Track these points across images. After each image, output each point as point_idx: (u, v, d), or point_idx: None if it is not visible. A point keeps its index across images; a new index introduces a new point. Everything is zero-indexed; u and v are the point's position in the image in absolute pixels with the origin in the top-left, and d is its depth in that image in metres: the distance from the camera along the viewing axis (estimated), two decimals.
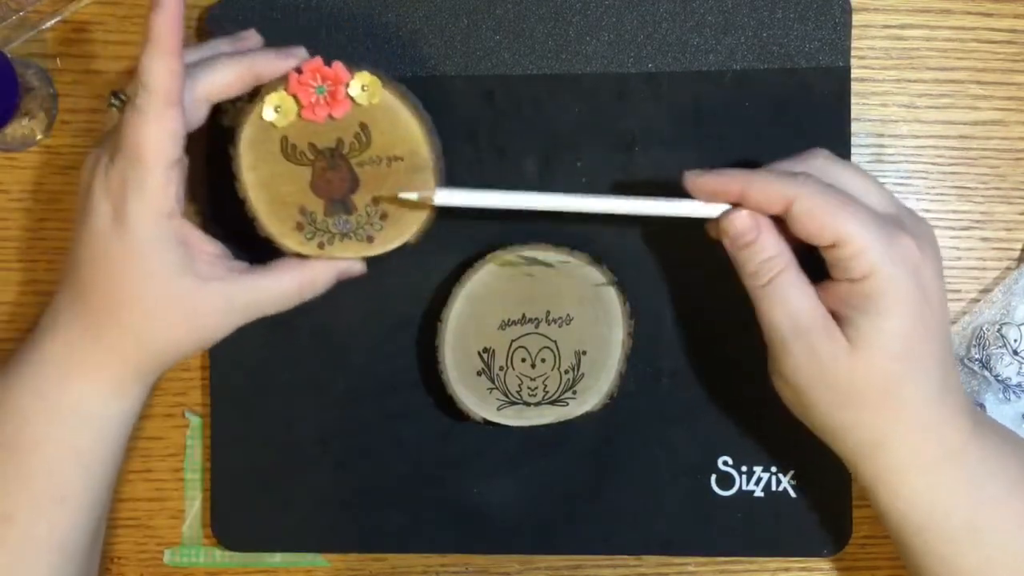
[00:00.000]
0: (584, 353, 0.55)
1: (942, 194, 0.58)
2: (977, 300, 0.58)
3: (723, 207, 0.49)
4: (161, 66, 0.46)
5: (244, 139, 0.50)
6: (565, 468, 0.57)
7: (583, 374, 0.55)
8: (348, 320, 0.57)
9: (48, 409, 0.49)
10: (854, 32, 0.56)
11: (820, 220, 0.46)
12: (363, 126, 0.50)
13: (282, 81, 0.50)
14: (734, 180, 0.48)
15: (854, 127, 0.56)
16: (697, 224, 0.56)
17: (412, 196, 0.50)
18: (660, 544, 0.57)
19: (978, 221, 0.58)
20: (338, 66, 0.50)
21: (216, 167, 0.52)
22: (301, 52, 0.50)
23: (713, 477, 0.57)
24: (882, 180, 0.57)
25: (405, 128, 0.50)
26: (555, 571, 0.59)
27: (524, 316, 0.54)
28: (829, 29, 0.56)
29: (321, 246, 0.51)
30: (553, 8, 0.56)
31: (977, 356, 0.57)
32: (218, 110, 0.51)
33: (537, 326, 0.54)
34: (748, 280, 0.49)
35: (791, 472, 0.57)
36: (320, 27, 0.56)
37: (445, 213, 0.53)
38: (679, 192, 0.56)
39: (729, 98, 0.56)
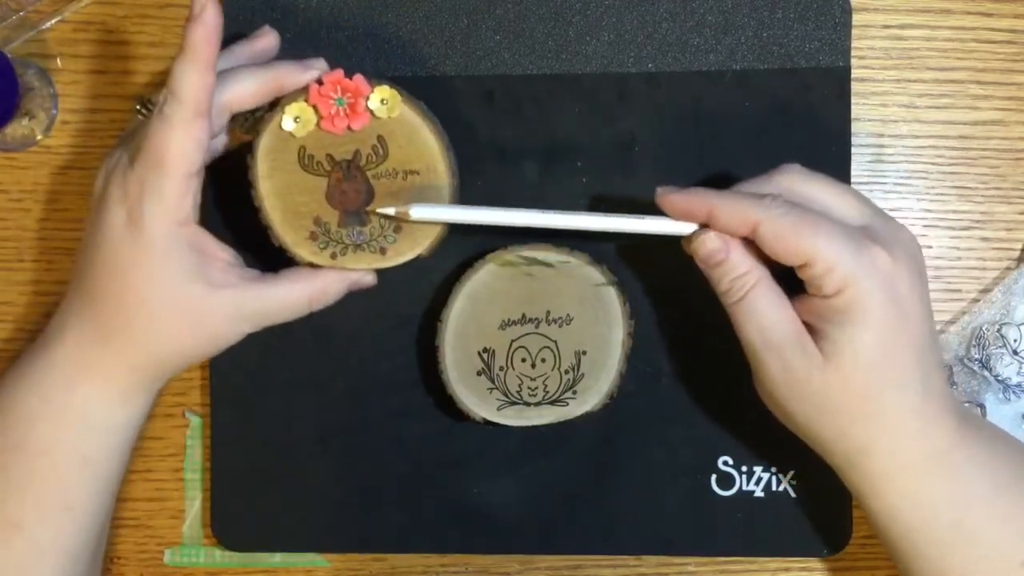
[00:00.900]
0: (584, 353, 0.55)
1: (942, 194, 0.58)
2: (977, 300, 0.58)
3: (693, 226, 0.49)
4: (194, 78, 0.46)
5: (262, 148, 0.51)
6: (565, 468, 0.57)
7: (583, 374, 0.55)
8: (348, 320, 0.57)
9: (55, 414, 0.49)
10: (854, 32, 0.56)
11: (786, 242, 0.46)
12: (380, 139, 0.51)
13: (302, 92, 0.50)
14: (702, 201, 0.48)
15: (854, 127, 0.56)
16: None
17: (389, 211, 0.51)
18: (660, 544, 0.57)
19: (978, 221, 0.58)
20: (359, 79, 0.50)
21: (232, 175, 0.52)
22: (321, 64, 0.51)
23: (713, 477, 0.57)
24: (882, 180, 0.58)
25: (423, 143, 0.51)
26: (555, 571, 0.59)
27: (524, 316, 0.54)
28: (829, 29, 0.56)
29: (334, 256, 0.52)
30: (553, 8, 0.56)
31: (977, 356, 0.57)
32: (233, 118, 0.51)
33: (537, 326, 0.54)
34: (721, 297, 0.49)
35: (791, 472, 0.57)
36: (320, 27, 0.56)
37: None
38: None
39: (729, 98, 0.56)
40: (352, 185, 0.51)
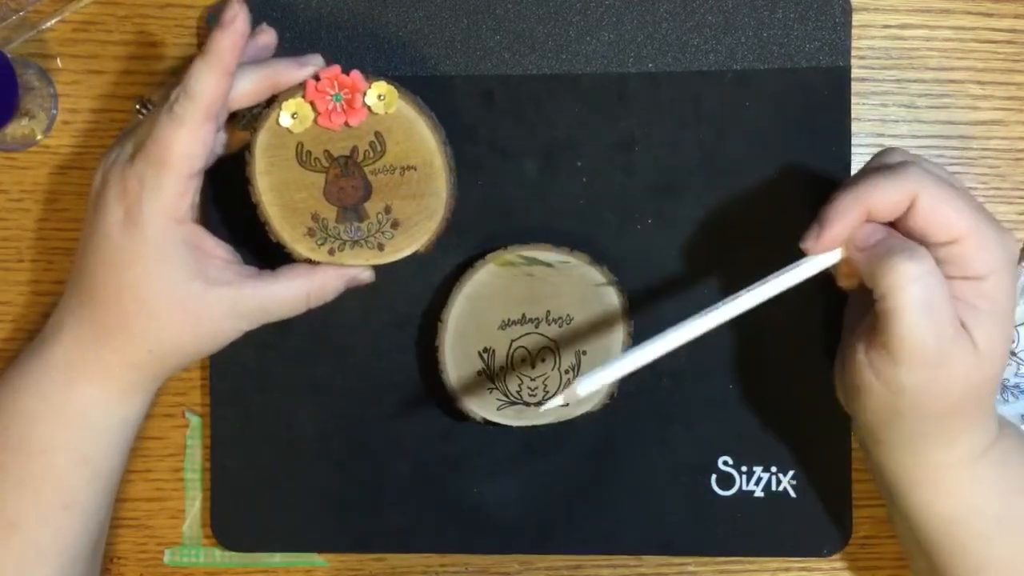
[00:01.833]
0: (584, 353, 0.55)
1: None
2: None
3: (838, 253, 0.46)
4: (211, 81, 0.47)
5: (260, 145, 0.51)
6: (565, 468, 0.57)
7: (583, 374, 0.55)
8: (348, 320, 0.57)
9: (53, 413, 0.49)
10: (854, 32, 0.56)
11: (944, 215, 0.44)
12: (378, 135, 0.51)
13: (300, 88, 0.50)
14: (852, 210, 0.45)
15: (854, 127, 0.56)
16: (696, 225, 0.56)
17: (558, 401, 0.49)
18: (660, 544, 0.57)
19: None
20: (356, 75, 0.50)
21: (230, 171, 0.52)
22: (317, 60, 0.51)
23: (713, 477, 0.57)
24: None
25: (420, 138, 0.51)
26: (555, 571, 0.59)
27: (524, 316, 0.54)
28: (829, 29, 0.56)
29: (332, 252, 0.52)
30: (553, 8, 0.56)
31: None
32: (231, 116, 0.51)
33: (537, 326, 0.54)
34: (895, 280, 0.43)
35: (791, 472, 0.57)
36: (320, 27, 0.56)
37: (453, 219, 0.53)
38: (681, 193, 0.56)
39: (729, 98, 0.56)
40: (350, 181, 0.51)
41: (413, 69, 0.57)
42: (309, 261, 0.52)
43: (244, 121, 0.51)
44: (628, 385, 0.55)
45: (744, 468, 0.57)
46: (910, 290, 0.43)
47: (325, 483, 0.58)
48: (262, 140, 0.51)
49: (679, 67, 0.56)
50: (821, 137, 0.56)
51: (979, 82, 0.57)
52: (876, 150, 0.57)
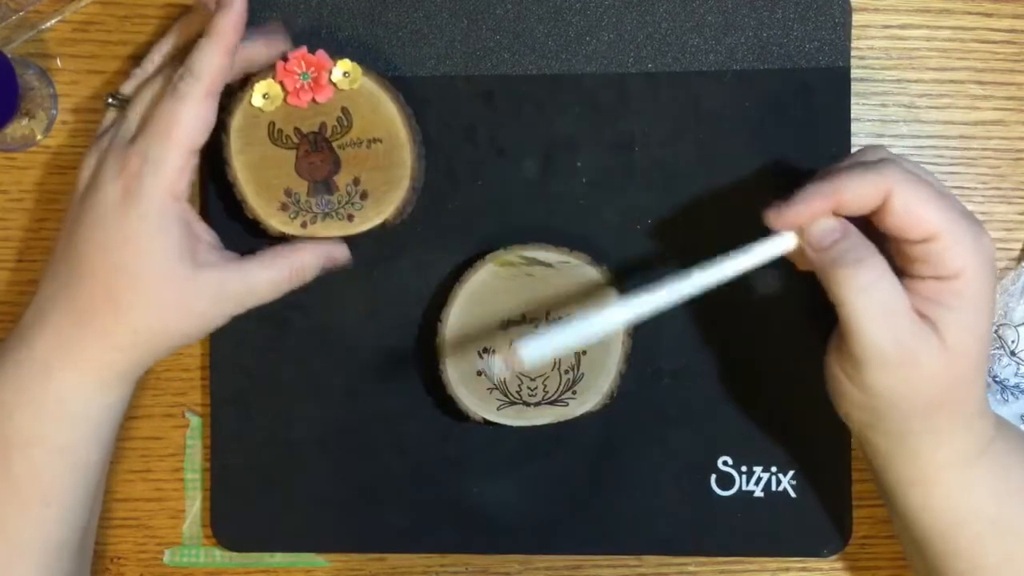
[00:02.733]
0: (584, 353, 0.55)
1: None
2: None
3: (792, 240, 0.47)
4: (215, 59, 0.49)
5: (234, 126, 0.53)
6: (565, 468, 0.57)
7: (583, 374, 0.55)
8: (348, 320, 0.57)
9: (32, 405, 0.49)
10: (854, 32, 0.56)
11: (917, 212, 0.44)
12: (345, 110, 0.53)
13: (270, 70, 0.53)
14: (822, 196, 0.45)
15: (854, 127, 0.56)
16: (696, 225, 0.56)
17: (500, 364, 0.52)
18: (660, 544, 0.57)
19: None
20: (321, 53, 0.53)
21: (207, 157, 0.53)
22: (281, 36, 0.53)
23: (713, 477, 0.57)
24: None
25: (384, 112, 0.53)
26: (555, 571, 0.59)
27: (524, 316, 0.54)
28: (829, 29, 0.56)
29: (304, 225, 0.54)
30: (553, 8, 0.56)
31: None
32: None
33: (537, 326, 0.55)
34: (845, 290, 0.44)
35: (791, 472, 0.57)
36: (320, 27, 0.56)
37: (435, 206, 0.56)
38: (681, 193, 0.56)
39: (729, 98, 0.56)
40: (319, 156, 0.53)
41: (413, 69, 0.57)
42: (283, 236, 0.54)
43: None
44: (628, 385, 0.56)
45: (744, 468, 0.57)
46: (862, 299, 0.44)
47: (325, 483, 0.58)
48: (236, 122, 0.53)
49: (679, 67, 0.56)
50: (821, 137, 0.56)
51: (979, 82, 0.57)
52: None
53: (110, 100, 0.53)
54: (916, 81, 0.57)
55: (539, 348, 0.46)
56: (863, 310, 0.44)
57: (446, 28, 0.56)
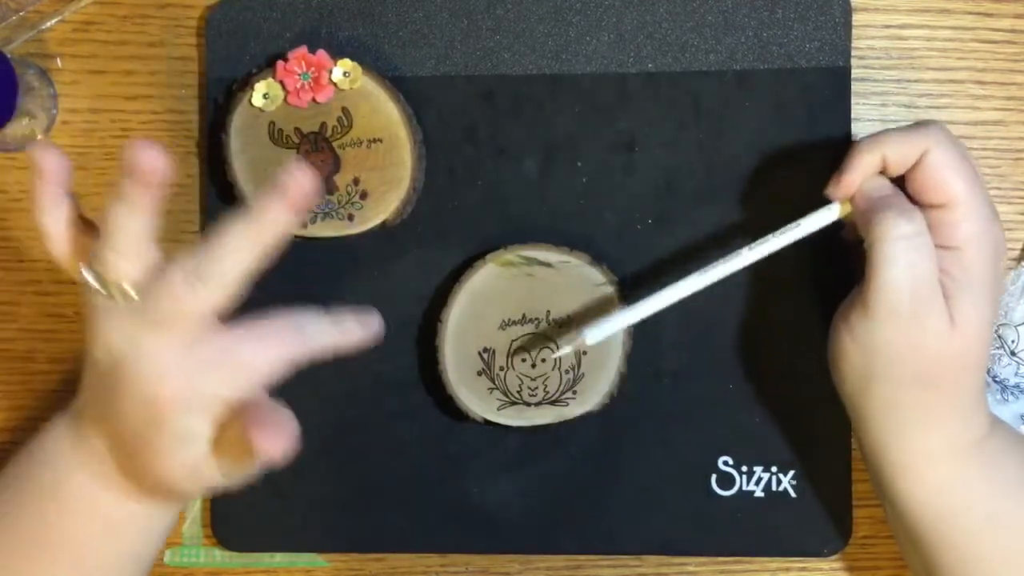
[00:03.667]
0: (584, 353, 0.55)
1: None
2: None
3: (835, 212, 0.49)
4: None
5: (234, 126, 0.53)
6: (565, 468, 0.57)
7: (583, 374, 0.55)
8: None
9: (108, 528, 0.48)
10: (854, 32, 0.56)
11: (944, 174, 0.46)
12: (345, 110, 0.54)
13: (270, 69, 0.53)
14: (868, 150, 0.48)
15: (854, 127, 0.56)
16: (696, 225, 0.56)
17: (567, 350, 0.53)
18: (660, 544, 0.57)
19: None
20: (321, 53, 0.53)
21: (207, 157, 0.54)
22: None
23: (713, 477, 0.57)
24: None
25: (385, 112, 0.54)
26: (555, 571, 0.59)
27: (524, 316, 0.54)
28: (829, 29, 0.56)
29: (304, 225, 0.54)
30: (553, 8, 0.56)
31: None
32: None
33: (537, 326, 0.54)
34: (885, 232, 0.46)
35: (791, 472, 0.57)
36: (320, 27, 0.56)
37: (435, 206, 0.55)
38: (681, 193, 0.56)
39: (729, 98, 0.56)
40: (319, 156, 0.54)
41: (413, 69, 0.57)
42: None
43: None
44: (628, 385, 0.56)
45: (744, 468, 0.57)
46: (897, 244, 0.45)
47: (325, 483, 0.58)
48: (236, 121, 0.53)
49: (679, 67, 0.56)
50: (821, 137, 0.56)
51: (979, 82, 0.57)
52: None
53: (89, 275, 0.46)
54: (916, 81, 0.57)
55: (604, 331, 0.50)
56: (893, 255, 0.45)
57: (446, 28, 0.56)
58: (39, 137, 0.59)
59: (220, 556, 0.59)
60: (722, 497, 0.57)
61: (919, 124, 0.48)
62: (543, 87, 0.56)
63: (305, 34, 0.56)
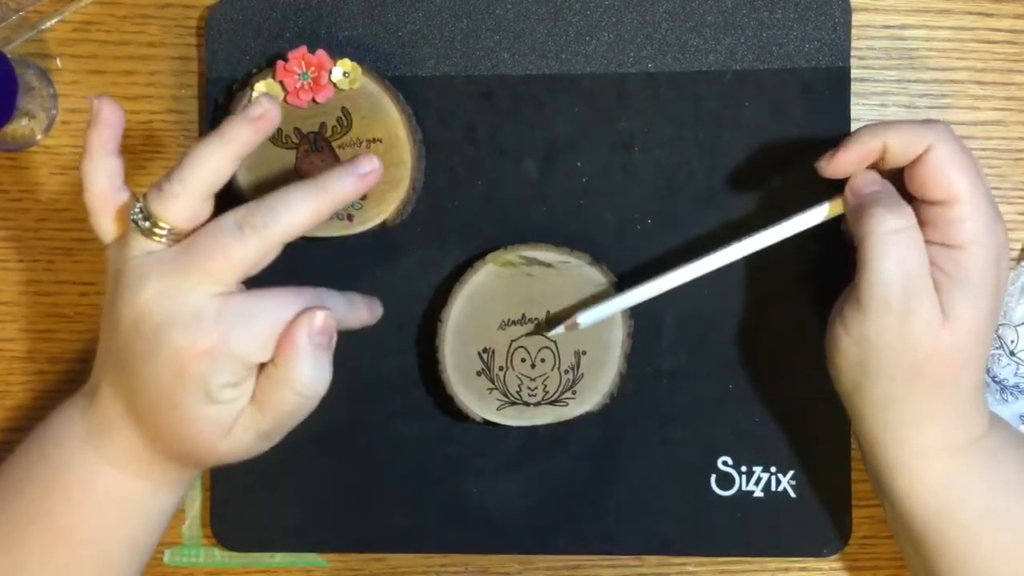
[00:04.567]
0: (584, 353, 0.55)
1: None
2: None
3: (824, 212, 0.50)
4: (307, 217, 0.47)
5: None
6: (565, 468, 0.57)
7: (583, 374, 0.55)
8: None
9: (107, 505, 0.48)
10: (854, 32, 0.56)
11: (947, 172, 0.46)
12: (344, 110, 0.54)
13: (270, 69, 0.53)
14: (873, 137, 0.47)
15: (854, 127, 0.56)
16: (696, 225, 0.56)
17: (560, 331, 0.53)
18: (660, 544, 0.57)
19: None
20: (321, 53, 0.53)
21: None
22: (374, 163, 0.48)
23: (713, 477, 0.57)
24: None
25: (384, 112, 0.54)
26: (555, 571, 0.59)
27: (524, 316, 0.54)
28: (829, 29, 0.56)
29: None
30: (553, 8, 0.56)
31: None
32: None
33: (537, 326, 0.54)
34: (874, 227, 0.46)
35: (791, 472, 0.57)
36: (320, 27, 0.56)
37: (435, 206, 0.56)
38: (681, 193, 0.56)
39: (729, 98, 0.56)
40: (319, 156, 0.54)
41: (413, 69, 0.57)
42: None
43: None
44: (628, 385, 0.56)
45: (744, 468, 0.57)
46: (886, 239, 0.46)
47: (325, 483, 0.58)
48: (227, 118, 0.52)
49: (679, 67, 0.56)
50: (821, 137, 0.56)
51: (979, 82, 0.57)
52: None
53: (139, 213, 0.46)
54: (916, 81, 0.57)
55: (597, 314, 0.52)
56: (883, 249, 0.46)
57: (446, 28, 0.56)
58: (39, 137, 0.59)
59: (220, 556, 0.59)
60: (722, 497, 0.57)
61: (922, 121, 0.48)
62: (543, 87, 0.56)
63: (305, 34, 0.56)
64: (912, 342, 0.46)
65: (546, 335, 0.54)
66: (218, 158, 0.46)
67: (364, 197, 0.53)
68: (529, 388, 0.55)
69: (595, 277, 0.54)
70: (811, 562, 0.58)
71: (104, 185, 0.47)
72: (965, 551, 0.48)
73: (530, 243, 0.55)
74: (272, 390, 0.46)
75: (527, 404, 0.55)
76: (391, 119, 0.54)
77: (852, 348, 0.48)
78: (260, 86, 0.53)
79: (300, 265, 0.55)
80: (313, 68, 0.53)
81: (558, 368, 0.55)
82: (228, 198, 0.54)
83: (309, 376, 0.46)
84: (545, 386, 0.55)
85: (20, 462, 0.50)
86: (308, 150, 0.54)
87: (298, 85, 0.53)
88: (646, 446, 0.57)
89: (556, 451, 0.57)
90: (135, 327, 0.45)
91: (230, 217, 0.45)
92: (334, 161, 0.54)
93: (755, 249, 0.50)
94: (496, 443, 0.57)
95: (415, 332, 0.57)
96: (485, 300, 0.54)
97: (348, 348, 0.57)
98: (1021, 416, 0.57)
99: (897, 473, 0.49)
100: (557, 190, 0.56)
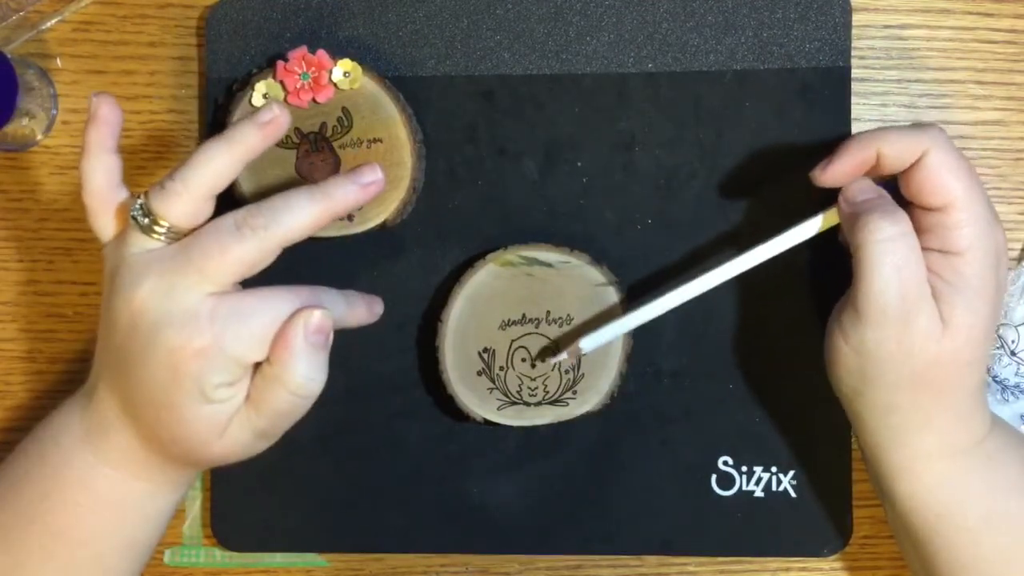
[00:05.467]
0: (584, 353, 0.55)
1: None
2: None
3: (818, 224, 0.49)
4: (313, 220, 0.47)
5: None
6: (565, 468, 0.57)
7: (583, 374, 0.55)
8: None
9: (105, 506, 0.48)
10: (854, 32, 0.56)
11: (943, 178, 0.45)
12: (345, 110, 0.54)
13: (270, 69, 0.53)
14: (867, 145, 0.47)
15: (854, 127, 0.56)
16: (696, 225, 0.56)
17: (563, 357, 0.53)
18: (660, 544, 0.57)
19: None
20: (321, 53, 0.53)
21: None
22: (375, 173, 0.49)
23: (713, 477, 0.57)
24: None
25: (385, 112, 0.54)
26: (555, 571, 0.59)
27: (524, 316, 0.54)
28: (829, 29, 0.56)
29: None
30: (553, 8, 0.56)
31: None
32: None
33: (537, 326, 0.54)
34: (869, 236, 0.45)
35: (791, 472, 0.57)
36: (320, 27, 0.56)
37: (435, 206, 0.56)
38: (681, 193, 0.56)
39: (729, 98, 0.56)
40: (319, 156, 0.54)
41: (413, 69, 0.57)
42: None
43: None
44: (628, 385, 0.56)
45: (744, 468, 0.57)
46: (881, 247, 0.45)
47: (325, 483, 0.58)
48: (236, 121, 0.52)
49: (679, 67, 0.56)
50: (821, 137, 0.56)
51: (979, 82, 0.57)
52: None
53: (139, 210, 0.46)
54: (916, 81, 0.57)
55: (599, 339, 0.52)
56: (879, 258, 0.45)
57: (446, 28, 0.56)
58: (39, 137, 0.59)
59: (220, 556, 0.59)
60: (722, 497, 0.57)
61: (918, 125, 0.48)
62: (543, 87, 0.56)
63: (305, 34, 0.56)
64: (912, 351, 0.46)
65: (549, 360, 0.54)
66: (223, 160, 0.46)
67: None
68: (529, 388, 0.55)
69: (595, 277, 0.54)
70: (811, 562, 0.58)
71: (102, 183, 0.47)
72: (966, 553, 0.48)
73: (530, 243, 0.55)
74: (267, 389, 0.46)
75: (527, 404, 0.55)
76: (391, 119, 0.54)
77: (851, 356, 0.48)
78: (260, 86, 0.53)
79: (300, 265, 0.55)
80: (313, 68, 0.53)
81: (558, 368, 0.55)
82: (226, 198, 0.55)
83: (303, 376, 0.46)
84: (545, 386, 0.55)
85: (19, 462, 0.50)
86: (308, 150, 0.54)
87: (298, 85, 0.53)
88: (646, 446, 0.57)
89: (556, 451, 0.57)
90: (131, 325, 0.45)
91: (230, 218, 0.46)
92: (334, 161, 0.54)
93: (749, 266, 0.50)
94: (496, 443, 0.57)
95: (415, 332, 0.57)
96: (485, 300, 0.54)
97: (348, 348, 0.57)
98: (1022, 416, 0.57)
99: (899, 477, 0.49)
100: (557, 190, 0.56)
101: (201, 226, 0.46)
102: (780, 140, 0.56)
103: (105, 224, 0.48)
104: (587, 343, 0.52)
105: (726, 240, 0.56)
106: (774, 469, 0.57)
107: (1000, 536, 0.48)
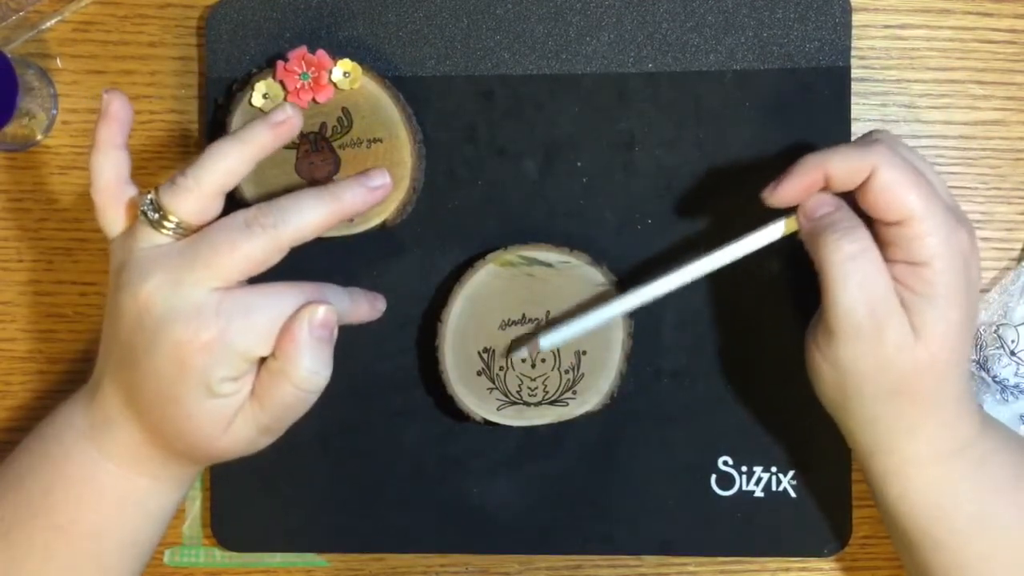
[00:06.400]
0: (584, 353, 0.55)
1: None
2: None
3: (780, 229, 0.49)
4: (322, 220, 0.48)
5: (234, 126, 0.53)
6: (565, 468, 0.57)
7: (583, 374, 0.55)
8: None
9: (108, 501, 0.48)
10: (854, 32, 0.56)
11: (895, 193, 0.45)
12: (345, 110, 0.54)
13: (270, 69, 0.53)
14: (813, 167, 0.46)
15: (854, 127, 0.56)
16: (696, 225, 0.56)
17: (523, 354, 0.54)
18: (660, 544, 0.57)
19: (978, 221, 0.58)
20: (321, 53, 0.53)
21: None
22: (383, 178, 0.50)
23: (713, 477, 0.57)
24: None
25: (385, 112, 0.54)
26: (555, 571, 0.59)
27: (524, 316, 0.54)
28: (829, 29, 0.56)
29: None
30: (553, 8, 0.56)
31: (974, 357, 0.57)
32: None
33: (537, 326, 0.55)
34: (830, 255, 0.46)
35: (791, 472, 0.57)
36: (320, 27, 0.56)
37: (435, 206, 0.56)
38: (681, 193, 0.56)
39: (729, 98, 0.56)
40: (319, 156, 0.54)
41: (413, 69, 0.57)
42: None
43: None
44: (628, 385, 0.56)
45: (744, 468, 0.57)
46: (844, 266, 0.45)
47: (325, 483, 0.58)
48: (236, 121, 0.53)
49: (679, 67, 0.56)
50: (821, 137, 0.56)
51: (979, 82, 0.57)
52: None
53: (148, 206, 0.47)
54: (916, 81, 0.57)
55: (559, 337, 0.52)
56: (844, 277, 0.45)
57: (446, 28, 0.56)
58: (39, 137, 0.59)
59: (220, 556, 0.59)
60: (722, 497, 0.57)
61: (865, 140, 0.47)
62: (543, 87, 0.56)
63: (305, 34, 0.56)
64: (887, 364, 0.46)
65: (512, 355, 0.54)
66: (234, 158, 0.46)
67: None
68: (529, 388, 0.55)
69: (595, 277, 0.54)
70: (811, 562, 0.58)
71: (111, 178, 0.48)
72: (956, 555, 0.48)
73: (530, 243, 0.55)
74: (272, 384, 0.46)
75: (527, 404, 0.55)
76: (391, 119, 0.54)
77: (830, 372, 0.48)
78: (260, 86, 0.53)
79: (301, 265, 0.55)
80: (313, 68, 0.53)
81: (558, 368, 0.55)
82: (229, 202, 0.55)
83: (308, 370, 0.46)
84: (545, 386, 0.55)
85: (23, 458, 0.50)
86: (308, 150, 0.54)
87: (298, 85, 0.53)
88: (646, 446, 0.57)
89: (556, 451, 0.57)
90: (138, 319, 0.45)
91: (240, 215, 0.46)
92: (334, 161, 0.54)
93: (703, 273, 0.50)
94: (496, 443, 0.57)
95: (415, 332, 0.57)
96: (485, 300, 0.54)
97: (348, 348, 0.57)
98: (1021, 416, 0.57)
99: (889, 481, 0.49)
100: (557, 190, 0.57)
101: (209, 224, 0.46)
102: (780, 140, 0.56)
103: (113, 220, 0.48)
104: (546, 341, 0.52)
105: (726, 240, 0.56)
106: (774, 469, 0.57)
107: (989, 537, 0.48)
